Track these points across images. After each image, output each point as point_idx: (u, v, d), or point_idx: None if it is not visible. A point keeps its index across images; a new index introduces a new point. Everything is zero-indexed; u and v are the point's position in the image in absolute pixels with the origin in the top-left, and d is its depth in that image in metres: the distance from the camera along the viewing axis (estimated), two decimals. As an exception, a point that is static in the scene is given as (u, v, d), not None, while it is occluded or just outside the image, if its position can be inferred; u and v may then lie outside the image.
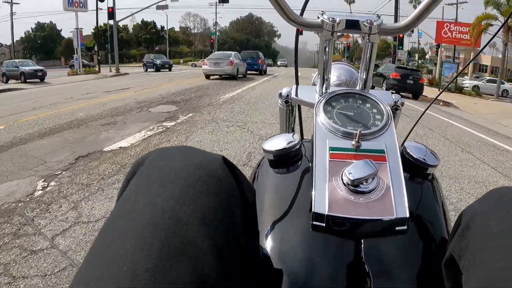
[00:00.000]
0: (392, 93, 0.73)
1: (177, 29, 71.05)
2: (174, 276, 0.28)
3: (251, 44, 74.50)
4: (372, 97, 0.63)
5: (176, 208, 0.33)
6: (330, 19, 0.60)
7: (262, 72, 22.96)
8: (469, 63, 1.11)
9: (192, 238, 0.31)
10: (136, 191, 0.35)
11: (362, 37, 0.63)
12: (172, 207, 0.33)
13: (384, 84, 14.81)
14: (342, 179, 0.48)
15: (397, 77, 14.55)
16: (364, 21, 0.60)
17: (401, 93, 18.19)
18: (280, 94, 0.74)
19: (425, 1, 0.58)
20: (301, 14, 0.71)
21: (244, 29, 78.15)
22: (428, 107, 0.88)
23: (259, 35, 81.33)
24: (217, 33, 59.74)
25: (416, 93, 14.44)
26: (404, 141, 0.69)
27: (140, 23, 60.00)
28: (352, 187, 0.47)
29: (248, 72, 20.64)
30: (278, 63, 57.44)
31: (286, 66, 48.61)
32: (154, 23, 61.52)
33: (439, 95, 0.98)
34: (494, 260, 0.35)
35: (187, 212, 0.33)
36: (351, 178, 0.47)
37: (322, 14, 0.61)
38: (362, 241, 0.46)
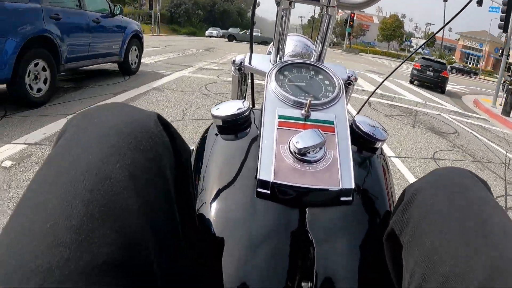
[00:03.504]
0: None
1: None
2: (98, 235, 0.31)
3: (218, 8, 68.39)
4: (325, 69, 0.70)
5: (102, 166, 0.36)
6: None
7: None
8: (404, 61, 1.16)
9: (118, 197, 0.34)
10: (62, 152, 0.38)
11: (321, 8, 0.69)
12: (97, 165, 0.36)
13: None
14: (289, 147, 0.53)
15: (418, 68, 15.60)
16: None
17: (425, 84, 15.24)
18: (234, 62, 0.83)
19: None
20: None
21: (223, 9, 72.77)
22: (384, 80, 1.09)
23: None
24: None
25: (436, 86, 15.21)
26: (359, 111, 0.93)
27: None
28: (299, 156, 0.52)
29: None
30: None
31: (261, 43, 42.05)
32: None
33: (386, 78, 1.08)
34: (432, 235, 0.41)
35: (114, 170, 0.36)
36: (298, 147, 0.52)
37: None
38: (306, 210, 0.51)
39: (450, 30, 78.30)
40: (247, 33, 44.76)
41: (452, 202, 0.43)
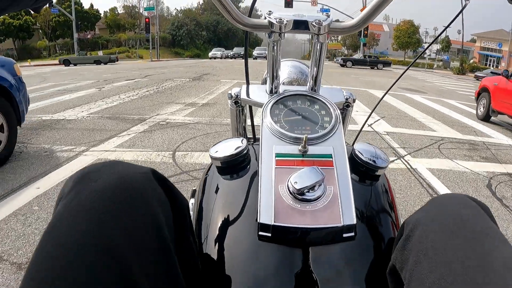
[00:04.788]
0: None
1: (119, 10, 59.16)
2: None
3: (222, 28, 64.94)
4: (321, 99, 0.69)
5: (99, 235, 0.39)
6: (277, 20, 0.65)
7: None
8: (409, 67, 1.07)
9: (121, 262, 0.38)
10: (59, 225, 0.40)
11: (311, 36, 0.69)
12: (94, 235, 0.39)
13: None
14: (288, 187, 0.53)
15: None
16: (312, 21, 0.65)
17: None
18: (230, 95, 0.80)
19: (375, 0, 0.64)
20: (249, 15, 0.74)
21: (214, 8, 68.15)
22: (381, 98, 1.00)
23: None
24: (157, 9, 48.13)
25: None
26: (355, 140, 0.87)
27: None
28: (298, 196, 0.52)
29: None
30: (255, 53, 40.68)
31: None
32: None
33: (389, 89, 0.99)
34: (433, 275, 0.41)
35: (112, 236, 0.39)
36: (297, 187, 0.51)
37: (269, 15, 0.66)
38: (309, 249, 0.50)
39: (458, 32, 74.12)
40: (253, 52, 41.25)
41: (452, 239, 0.43)
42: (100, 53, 41.74)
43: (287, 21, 0.65)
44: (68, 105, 7.39)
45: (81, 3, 48.56)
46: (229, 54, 46.14)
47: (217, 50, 46.89)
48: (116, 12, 58.45)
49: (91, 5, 51.22)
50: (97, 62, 30.79)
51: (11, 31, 41.90)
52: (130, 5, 58.81)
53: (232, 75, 15.72)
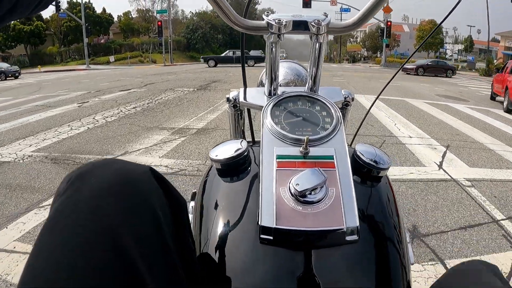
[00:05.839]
0: None
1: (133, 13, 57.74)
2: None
3: (236, 31, 62.83)
4: (321, 99, 0.68)
5: (106, 229, 0.38)
6: (276, 21, 0.65)
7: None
8: (408, 59, 1.11)
9: (127, 261, 0.38)
10: (64, 213, 0.40)
11: (310, 36, 0.69)
12: (101, 228, 0.38)
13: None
14: (289, 189, 0.51)
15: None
16: (311, 22, 0.65)
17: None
18: (228, 99, 0.79)
19: (371, 1, 0.64)
20: (244, 16, 0.74)
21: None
22: (372, 104, 0.99)
23: (251, 18, 69.41)
24: (170, 12, 46.01)
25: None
26: (352, 141, 0.87)
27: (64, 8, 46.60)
28: (300, 198, 0.50)
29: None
30: None
31: None
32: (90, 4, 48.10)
33: (382, 91, 0.99)
34: None
35: (121, 233, 0.39)
36: (298, 189, 0.50)
37: (267, 16, 0.66)
38: (312, 252, 0.49)
39: (478, 32, 70.56)
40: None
41: None
42: (112, 58, 40.41)
43: (286, 21, 0.65)
44: (25, 132, 5.62)
45: (93, 7, 47.29)
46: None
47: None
48: (130, 16, 57.06)
49: (104, 10, 49.83)
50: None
51: (22, 37, 40.93)
52: (144, 9, 57.44)
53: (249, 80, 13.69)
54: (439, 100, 10.51)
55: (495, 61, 51.19)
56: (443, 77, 25.68)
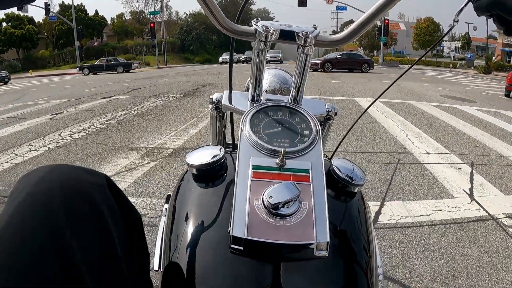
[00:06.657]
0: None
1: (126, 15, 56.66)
2: None
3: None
4: (302, 111, 0.67)
5: (51, 233, 0.39)
6: (264, 28, 0.65)
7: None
8: (420, 58, 0.98)
9: (67, 260, 0.38)
10: (10, 221, 0.40)
11: (297, 47, 0.68)
12: (46, 233, 0.39)
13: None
14: (263, 201, 0.51)
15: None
16: (299, 32, 0.65)
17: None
18: (211, 100, 0.79)
19: (362, 17, 0.66)
20: (237, 21, 0.74)
21: (226, 12, 65.50)
22: (362, 114, 0.98)
23: (247, 18, 68.65)
24: (163, 13, 44.66)
25: None
26: (332, 156, 0.84)
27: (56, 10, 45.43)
28: (272, 210, 0.50)
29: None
30: (268, 56, 37.68)
31: (281, 62, 35.44)
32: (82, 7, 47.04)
33: (379, 97, 0.95)
34: None
35: (65, 239, 0.39)
36: (271, 202, 0.50)
37: (256, 23, 0.67)
38: (281, 265, 0.49)
39: (475, 29, 69.91)
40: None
41: None
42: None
43: (273, 30, 0.65)
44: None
45: (85, 10, 46.25)
46: (240, 58, 43.18)
47: (228, 55, 43.77)
48: (124, 19, 56.00)
49: (96, 12, 48.72)
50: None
51: (14, 41, 39.94)
52: (137, 10, 56.36)
53: (240, 85, 12.80)
54: (446, 102, 9.69)
55: (493, 58, 50.39)
56: (358, 72, 23.18)
